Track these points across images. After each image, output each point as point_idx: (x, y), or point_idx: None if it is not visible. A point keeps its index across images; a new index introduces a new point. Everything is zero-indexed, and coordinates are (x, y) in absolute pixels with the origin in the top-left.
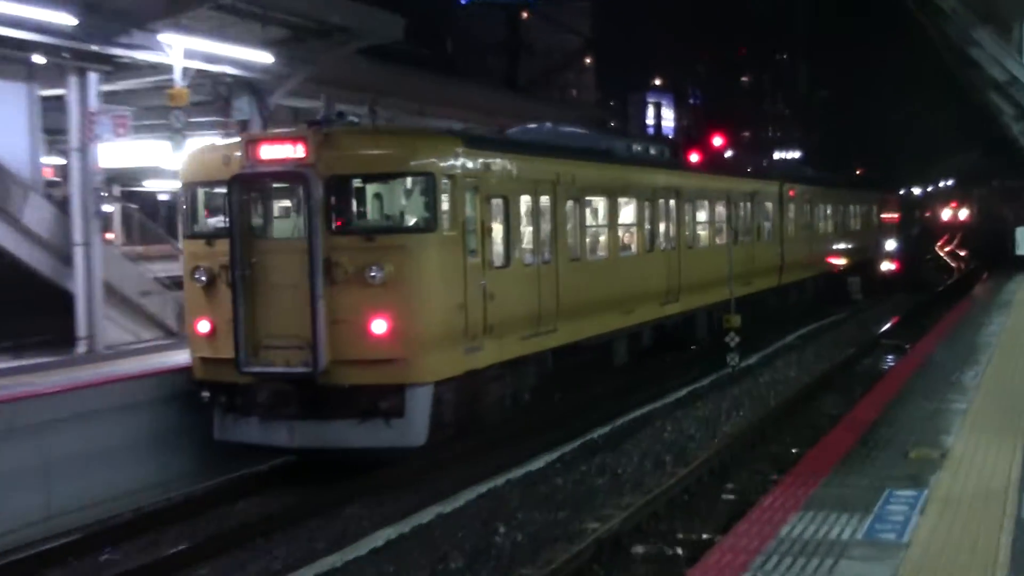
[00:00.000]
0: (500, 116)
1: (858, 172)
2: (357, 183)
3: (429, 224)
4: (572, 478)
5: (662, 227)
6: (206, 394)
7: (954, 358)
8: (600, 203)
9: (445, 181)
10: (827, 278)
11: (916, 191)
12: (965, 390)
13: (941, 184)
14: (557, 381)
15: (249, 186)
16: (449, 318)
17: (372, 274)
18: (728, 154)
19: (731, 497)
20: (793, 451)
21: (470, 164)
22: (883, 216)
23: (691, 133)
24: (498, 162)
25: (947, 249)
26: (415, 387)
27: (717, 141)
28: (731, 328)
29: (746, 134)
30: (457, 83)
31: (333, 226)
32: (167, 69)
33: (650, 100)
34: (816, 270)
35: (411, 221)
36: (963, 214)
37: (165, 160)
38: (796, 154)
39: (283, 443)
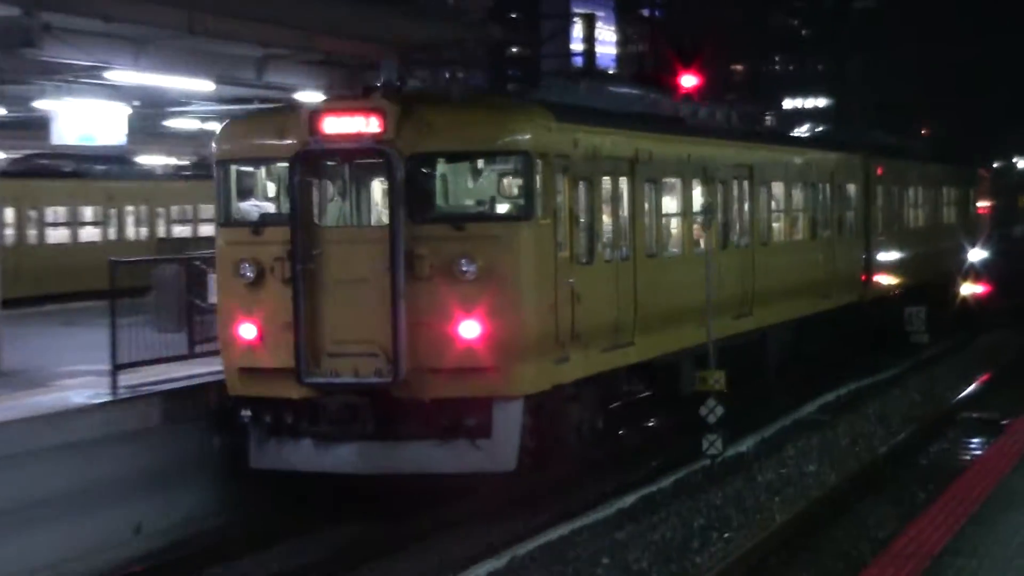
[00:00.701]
0: (337, 36)
1: (923, 133)
2: (443, 163)
3: (525, 211)
4: None
5: (737, 217)
6: (247, 413)
7: None
8: (676, 186)
9: (538, 161)
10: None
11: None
12: None
13: None
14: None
15: (313, 165)
16: (542, 322)
17: (463, 268)
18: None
19: None
20: None
21: (560, 140)
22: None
23: (645, 66)
24: (584, 137)
25: None
26: (505, 401)
27: (688, 81)
28: (708, 390)
29: (737, 69)
30: None
31: (417, 212)
32: None
33: (577, 11)
34: (912, 282)
35: (505, 208)
36: None
37: None
38: (819, 102)
39: (347, 469)
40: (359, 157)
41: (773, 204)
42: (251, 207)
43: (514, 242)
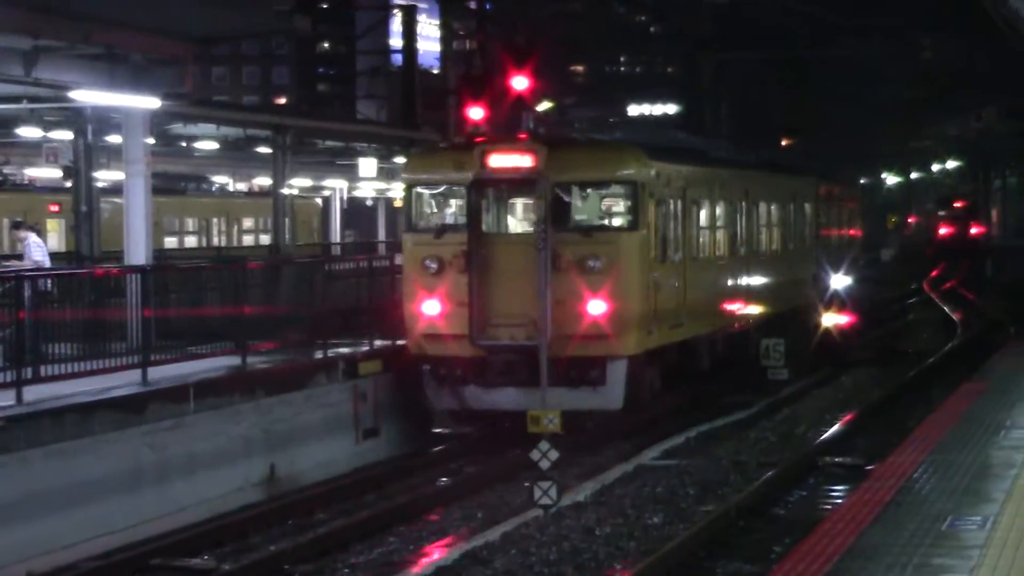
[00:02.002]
0: (120, 27)
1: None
2: (576, 188)
3: (633, 224)
4: None
5: (743, 229)
6: (426, 367)
7: (948, 489)
8: (705, 206)
9: (640, 188)
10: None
11: (890, 180)
12: (965, 549)
13: (935, 168)
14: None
15: (482, 189)
16: (640, 304)
17: (590, 264)
18: (542, 107)
19: None
20: None
21: (649, 172)
22: (824, 226)
23: (474, 66)
24: (661, 168)
25: (944, 286)
26: (616, 360)
27: (520, 83)
28: (541, 432)
29: (578, 70)
30: None
31: (558, 223)
32: None
33: (397, 2)
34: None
35: (619, 221)
36: (977, 223)
37: None
38: (668, 109)
39: (506, 407)
40: (517, 184)
41: (762, 220)
42: (442, 217)
43: (625, 246)
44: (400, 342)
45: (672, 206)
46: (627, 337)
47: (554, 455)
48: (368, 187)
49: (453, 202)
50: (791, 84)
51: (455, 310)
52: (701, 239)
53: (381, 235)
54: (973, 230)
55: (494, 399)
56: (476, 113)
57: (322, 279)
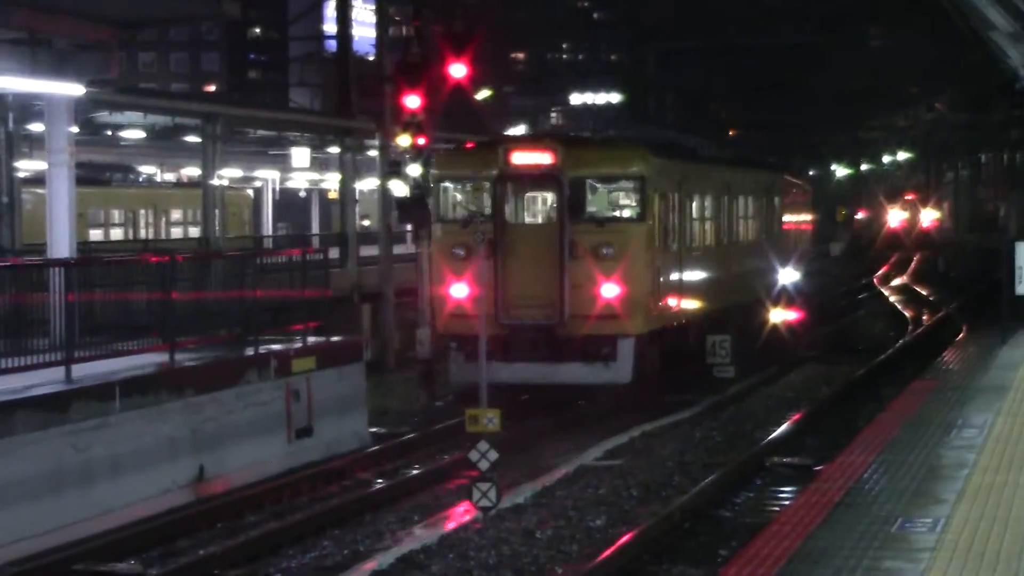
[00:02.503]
0: (41, 10)
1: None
2: (590, 183)
3: (641, 215)
4: None
5: (726, 221)
6: (453, 344)
7: (898, 490)
8: (697, 199)
9: (647, 181)
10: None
11: (840, 172)
12: (916, 552)
13: (887, 160)
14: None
15: (506, 183)
16: (647, 287)
17: (604, 251)
18: (481, 95)
19: None
20: None
21: (653, 168)
22: (784, 219)
23: (410, 53)
24: (662, 164)
25: (895, 281)
26: (626, 338)
27: (458, 71)
28: (480, 432)
29: (518, 57)
30: None
31: (574, 215)
32: None
33: None
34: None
35: (628, 213)
36: (928, 216)
37: None
38: (612, 98)
39: (528, 380)
40: (538, 179)
41: (740, 212)
42: (469, 209)
43: (635, 235)
44: (334, 338)
45: (671, 199)
46: (636, 318)
47: (493, 456)
48: (301, 178)
49: (477, 195)
50: (736, 73)
51: (481, 293)
52: (694, 230)
53: (315, 228)
54: (925, 223)
55: (515, 373)
56: (413, 101)
57: (254, 273)
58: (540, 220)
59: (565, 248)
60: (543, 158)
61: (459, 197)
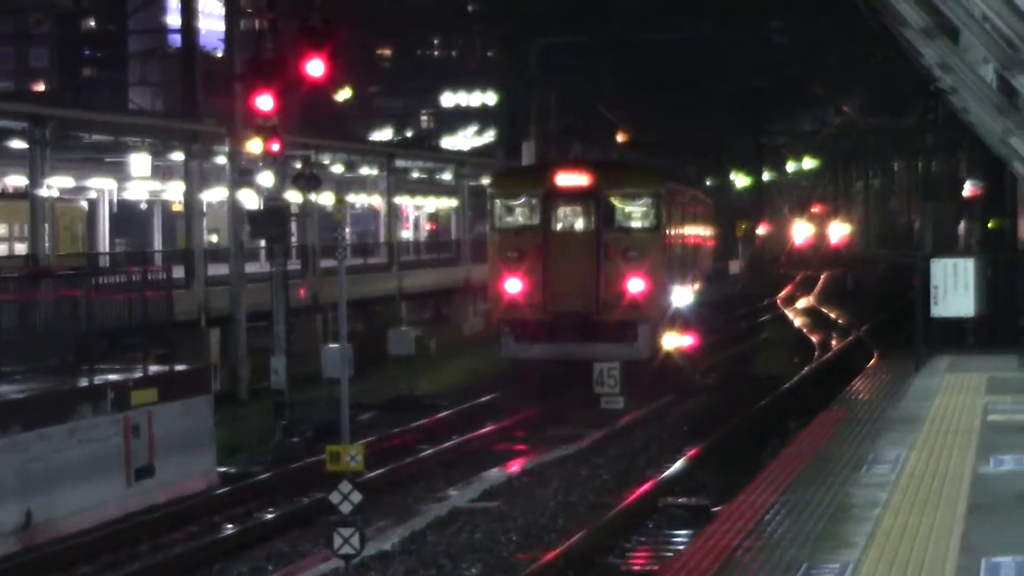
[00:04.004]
0: None
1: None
2: (618, 199)
3: (656, 225)
4: None
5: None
6: (506, 329)
7: (803, 533)
8: (677, 212)
9: (661, 198)
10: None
11: (740, 182)
12: None
13: (791, 168)
14: None
15: (551, 199)
16: (661, 282)
17: (630, 255)
18: (341, 95)
19: None
20: None
21: (665, 188)
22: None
23: (264, 49)
24: (668, 186)
25: (801, 302)
26: (645, 323)
27: (315, 69)
28: (342, 470)
29: (384, 54)
30: None
31: (606, 224)
32: None
33: None
34: None
35: (648, 223)
36: (837, 231)
37: None
38: (488, 99)
39: (568, 357)
40: (577, 196)
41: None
42: (519, 219)
43: (654, 241)
44: (179, 367)
45: (666, 209)
46: (652, 307)
47: (357, 497)
48: (142, 188)
49: (528, 209)
50: (626, 71)
51: (532, 286)
52: (678, 238)
53: (157, 244)
54: (834, 239)
55: (559, 351)
56: (266, 103)
57: (88, 294)
58: (580, 229)
59: (600, 251)
60: (582, 179)
61: (512, 211)
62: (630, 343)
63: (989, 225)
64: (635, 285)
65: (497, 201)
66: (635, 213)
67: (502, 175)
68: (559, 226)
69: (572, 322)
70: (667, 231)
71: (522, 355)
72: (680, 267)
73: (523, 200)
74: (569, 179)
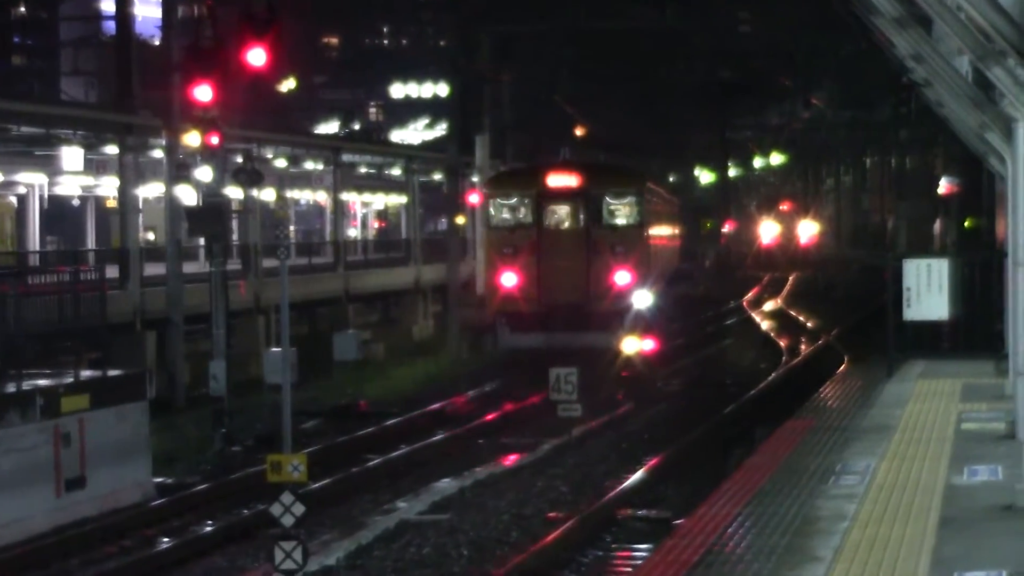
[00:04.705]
0: None
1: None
2: (606, 197)
3: (641, 223)
4: None
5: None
6: (502, 320)
7: (767, 547)
8: (655, 205)
9: (644, 197)
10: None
11: (704, 178)
12: None
13: (758, 163)
14: None
15: (543, 198)
16: (645, 274)
17: (617, 249)
18: (285, 86)
19: None
20: None
21: (647, 187)
22: (651, 232)
23: (203, 37)
24: (649, 185)
25: (768, 304)
26: (631, 312)
27: (257, 58)
28: (284, 481)
29: (331, 43)
30: None
31: (595, 222)
32: None
33: None
34: None
35: (633, 220)
36: (807, 230)
37: None
38: (440, 90)
39: (560, 345)
40: (568, 194)
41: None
42: (513, 218)
43: (638, 237)
44: (112, 372)
45: (647, 206)
46: (636, 297)
47: (299, 509)
48: (74, 183)
49: (522, 208)
50: (585, 62)
51: (527, 279)
52: (657, 236)
53: (90, 242)
54: (803, 239)
55: (552, 340)
56: (204, 94)
57: (17, 295)
58: (569, 226)
59: (589, 247)
60: (571, 180)
61: (507, 210)
62: (618, 331)
63: (966, 224)
64: (622, 277)
65: (491, 200)
66: (620, 211)
67: (497, 177)
68: (551, 224)
69: (564, 313)
70: (649, 228)
71: (518, 345)
72: (658, 262)
73: (517, 200)
74: (560, 180)
